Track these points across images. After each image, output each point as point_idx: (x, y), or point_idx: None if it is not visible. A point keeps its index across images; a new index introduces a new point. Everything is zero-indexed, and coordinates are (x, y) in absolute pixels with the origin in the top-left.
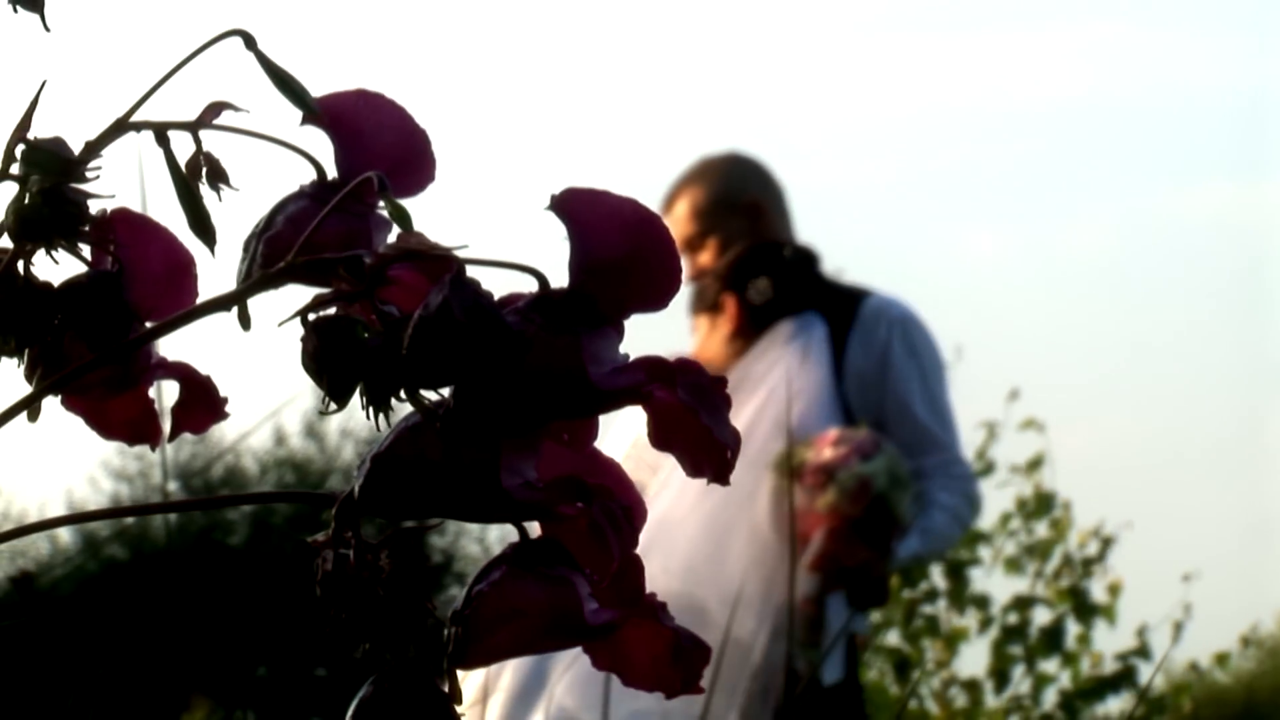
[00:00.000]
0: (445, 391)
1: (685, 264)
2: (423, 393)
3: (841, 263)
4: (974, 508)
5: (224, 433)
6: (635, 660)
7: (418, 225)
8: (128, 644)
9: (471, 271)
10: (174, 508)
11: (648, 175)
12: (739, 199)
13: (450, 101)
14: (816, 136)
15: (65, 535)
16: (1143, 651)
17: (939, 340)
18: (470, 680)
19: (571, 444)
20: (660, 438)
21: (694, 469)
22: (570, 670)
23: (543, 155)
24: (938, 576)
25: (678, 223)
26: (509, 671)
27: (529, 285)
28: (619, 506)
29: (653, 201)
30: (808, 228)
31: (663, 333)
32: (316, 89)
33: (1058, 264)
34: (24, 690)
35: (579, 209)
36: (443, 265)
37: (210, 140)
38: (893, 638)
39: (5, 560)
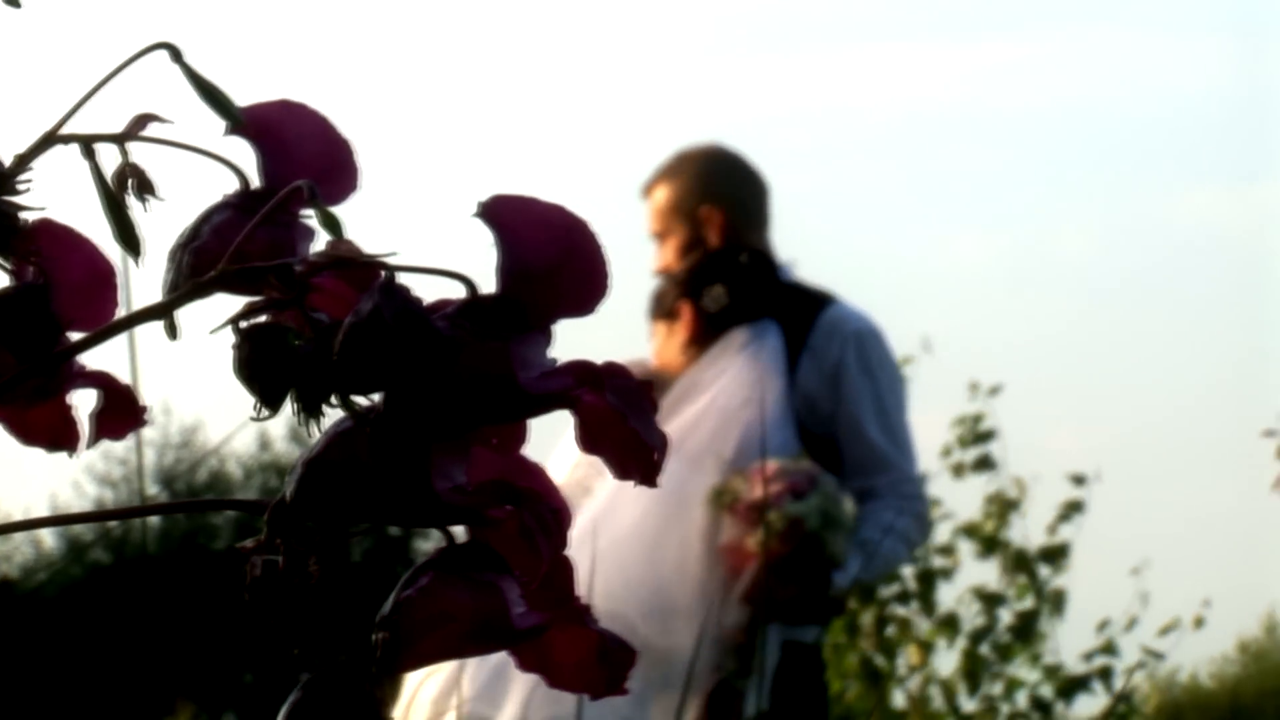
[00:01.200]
0: (376, 396)
1: (654, 255)
2: (354, 398)
3: (825, 266)
4: (924, 529)
5: (208, 437)
6: (561, 662)
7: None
8: (112, 648)
9: (401, 278)
10: (97, 517)
11: (630, 173)
12: (711, 198)
13: (379, 109)
14: (804, 140)
15: (50, 540)
16: (1109, 648)
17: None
18: (429, 687)
19: (500, 448)
20: (588, 442)
21: (621, 472)
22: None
23: (515, 160)
24: (909, 578)
25: (651, 213)
26: (467, 680)
27: (459, 291)
28: (548, 509)
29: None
30: (791, 230)
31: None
32: (242, 99)
33: (1043, 268)
34: (9, 692)
35: (507, 215)
36: (371, 272)
37: (137, 152)
38: (864, 644)
39: None
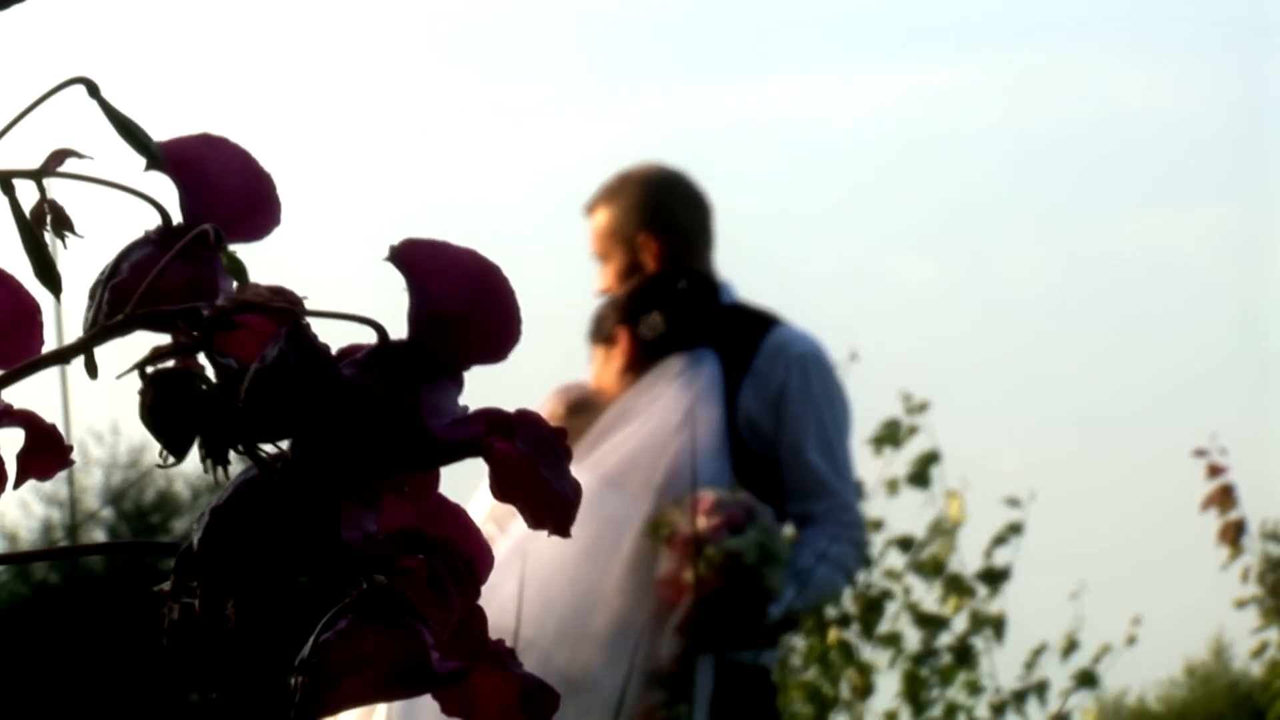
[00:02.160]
0: (285, 444)
1: (597, 275)
2: (262, 446)
3: (769, 288)
4: (861, 556)
5: (156, 457)
6: (484, 706)
7: (263, 272)
8: (60, 667)
9: (313, 323)
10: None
11: (576, 194)
12: (648, 224)
13: (298, 145)
14: (751, 161)
15: None
16: (1040, 688)
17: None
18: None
19: (412, 496)
20: (501, 490)
21: (535, 521)
22: None
23: (448, 186)
24: (848, 602)
25: (592, 235)
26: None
27: (371, 337)
28: (460, 558)
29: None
30: (737, 252)
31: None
32: (162, 134)
33: (990, 290)
34: None
35: (418, 260)
36: (285, 315)
37: (55, 188)
38: (808, 672)
39: None
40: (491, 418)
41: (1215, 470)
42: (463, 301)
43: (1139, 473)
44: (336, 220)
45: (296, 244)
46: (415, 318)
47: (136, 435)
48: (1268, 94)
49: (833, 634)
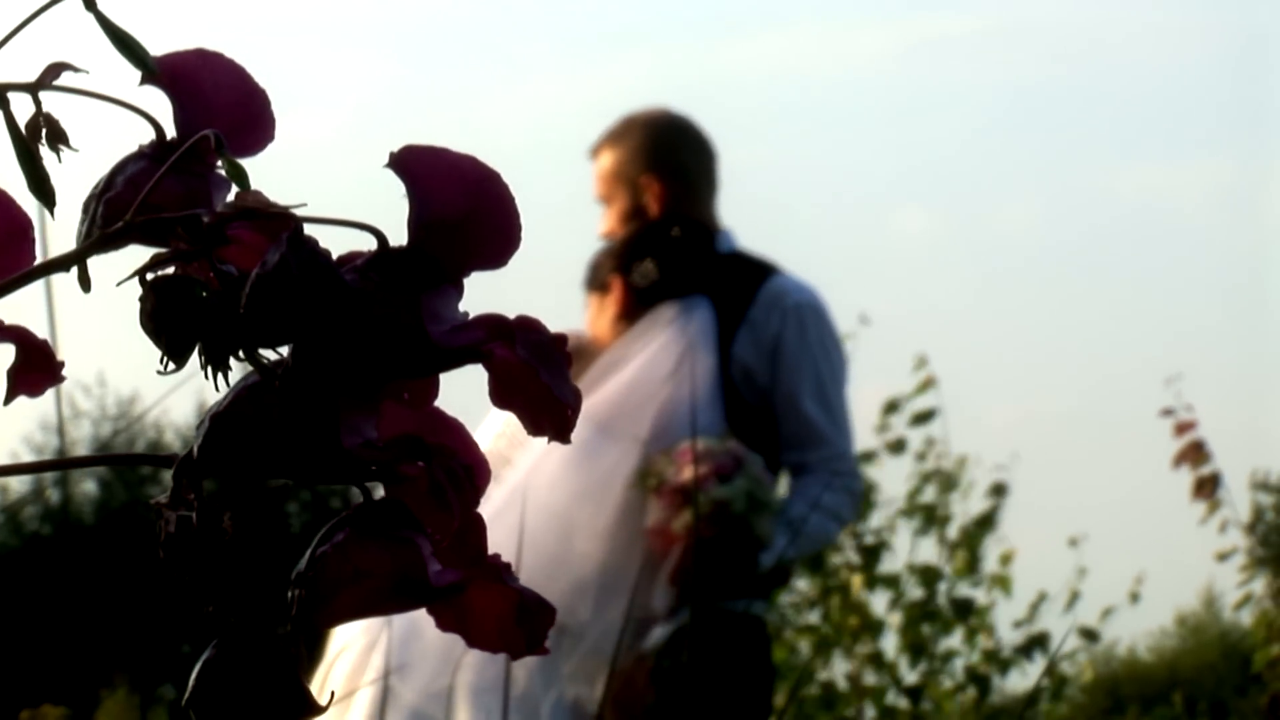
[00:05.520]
0: (285, 350)
1: (600, 218)
2: (262, 352)
3: (766, 239)
4: (856, 505)
5: (145, 406)
6: (480, 621)
7: (258, 185)
8: (50, 619)
9: (312, 230)
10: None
11: (575, 141)
12: (652, 166)
13: (297, 58)
14: (747, 111)
15: None
16: (1040, 640)
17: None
18: (343, 662)
19: (412, 403)
20: (501, 396)
21: (534, 428)
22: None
23: (460, 122)
24: (850, 551)
25: (596, 177)
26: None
27: (371, 244)
28: (460, 465)
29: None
30: (733, 202)
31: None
32: (157, 48)
33: (986, 242)
34: None
35: (418, 166)
36: (282, 224)
37: (50, 101)
38: (812, 617)
39: None
40: (492, 323)
41: (1184, 427)
42: (463, 207)
43: (1133, 425)
44: (328, 160)
45: (291, 162)
46: (415, 224)
47: (124, 387)
48: (1267, 46)
49: (834, 579)
